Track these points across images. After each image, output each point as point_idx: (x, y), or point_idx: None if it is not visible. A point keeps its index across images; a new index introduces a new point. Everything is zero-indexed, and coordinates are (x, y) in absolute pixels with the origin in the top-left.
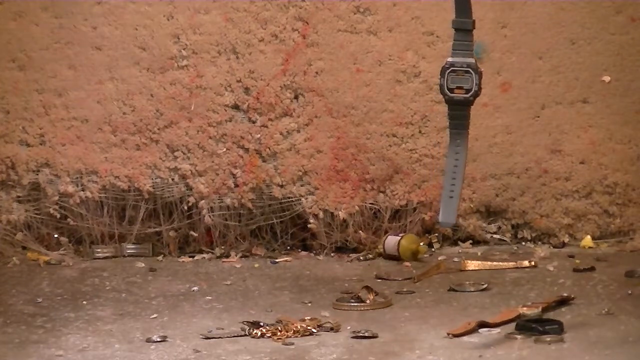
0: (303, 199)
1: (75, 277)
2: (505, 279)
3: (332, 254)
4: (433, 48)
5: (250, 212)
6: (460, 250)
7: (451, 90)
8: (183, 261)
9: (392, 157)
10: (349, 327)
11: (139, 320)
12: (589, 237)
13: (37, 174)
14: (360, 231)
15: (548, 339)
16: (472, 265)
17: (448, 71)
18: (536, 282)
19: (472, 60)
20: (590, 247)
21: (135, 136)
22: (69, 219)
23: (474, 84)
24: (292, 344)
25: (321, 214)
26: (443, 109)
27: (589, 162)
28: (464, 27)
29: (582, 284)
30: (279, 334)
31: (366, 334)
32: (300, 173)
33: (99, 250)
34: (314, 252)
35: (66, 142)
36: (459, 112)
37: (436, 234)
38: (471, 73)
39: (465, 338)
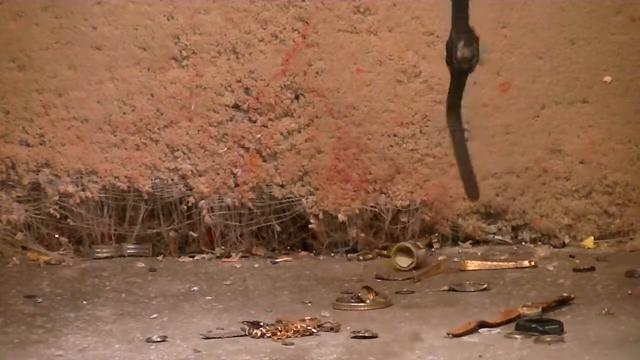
0: (303, 199)
1: (75, 277)
2: (505, 279)
3: (332, 254)
4: (433, 48)
5: (251, 212)
6: (460, 250)
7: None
8: (183, 261)
9: (393, 157)
10: (349, 327)
11: (139, 320)
12: (591, 237)
13: (37, 174)
14: (361, 231)
15: (548, 339)
16: (472, 265)
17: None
18: (536, 282)
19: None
20: (589, 247)
21: (135, 136)
22: (69, 219)
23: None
24: (292, 344)
25: (321, 215)
26: (444, 108)
27: (589, 162)
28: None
29: (582, 284)
30: (279, 334)
31: (366, 334)
32: (301, 173)
33: (99, 250)
34: (314, 252)
35: (66, 142)
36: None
37: (436, 234)
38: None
39: (465, 338)
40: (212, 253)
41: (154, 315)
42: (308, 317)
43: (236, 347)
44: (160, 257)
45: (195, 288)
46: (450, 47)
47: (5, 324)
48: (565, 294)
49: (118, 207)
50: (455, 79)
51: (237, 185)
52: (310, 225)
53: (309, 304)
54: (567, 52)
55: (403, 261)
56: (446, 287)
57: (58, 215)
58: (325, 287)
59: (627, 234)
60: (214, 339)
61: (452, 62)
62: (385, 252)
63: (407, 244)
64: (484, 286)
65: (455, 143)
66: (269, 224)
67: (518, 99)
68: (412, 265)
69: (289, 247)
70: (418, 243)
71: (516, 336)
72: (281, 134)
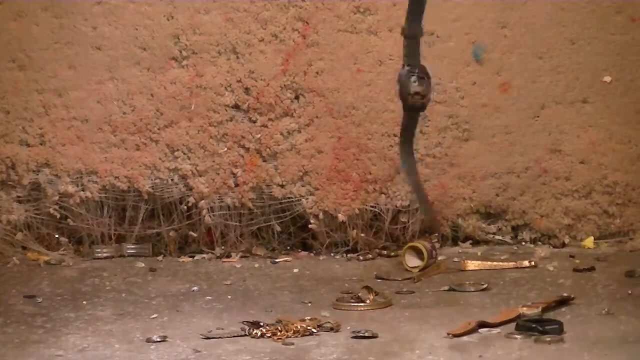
0: (303, 199)
1: (75, 277)
2: (505, 279)
3: (332, 254)
4: (433, 48)
5: (251, 212)
6: (460, 250)
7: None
8: (183, 261)
9: (393, 157)
10: (349, 327)
11: (139, 320)
12: (591, 237)
13: (37, 174)
14: (361, 231)
15: (548, 339)
16: (472, 265)
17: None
18: (536, 282)
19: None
20: (589, 247)
21: (135, 136)
22: (69, 219)
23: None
24: (292, 344)
25: (321, 215)
26: (444, 108)
27: (589, 162)
28: (414, 35)
29: (582, 284)
30: (279, 334)
31: (366, 334)
32: (301, 173)
33: (99, 250)
34: (314, 252)
35: (66, 142)
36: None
37: (436, 234)
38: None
39: (465, 338)
40: (212, 253)
41: (154, 315)
42: (308, 317)
43: (236, 347)
44: (160, 257)
45: (195, 288)
46: (403, 83)
47: (5, 324)
48: (565, 294)
49: (118, 207)
50: (408, 115)
51: (237, 185)
52: (310, 225)
53: (309, 304)
54: (567, 52)
55: (411, 260)
56: (446, 287)
57: (58, 215)
58: (325, 287)
59: (627, 234)
60: (214, 339)
61: (405, 98)
62: (385, 252)
63: (420, 245)
64: (484, 286)
65: (410, 179)
66: (269, 224)
67: (518, 99)
68: (419, 268)
69: (289, 247)
70: (427, 243)
71: (516, 336)
72: (281, 134)
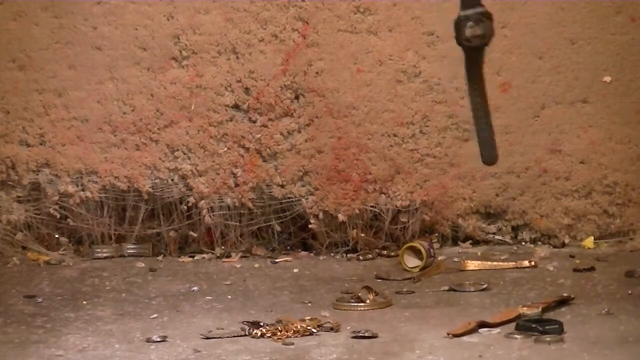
0: (303, 199)
1: (75, 277)
2: (505, 279)
3: (332, 254)
4: (433, 48)
5: (251, 212)
6: (460, 250)
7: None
8: (183, 261)
9: (393, 157)
10: (349, 327)
11: (139, 320)
12: (591, 237)
13: (37, 174)
14: (361, 231)
15: (548, 339)
16: (472, 265)
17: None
18: (536, 282)
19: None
20: (589, 247)
21: (135, 136)
22: (69, 219)
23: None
24: (292, 344)
25: (321, 215)
26: (444, 108)
27: (589, 162)
28: None
29: (582, 284)
30: (279, 334)
31: (366, 334)
32: (301, 173)
33: (99, 250)
34: (314, 252)
35: (66, 142)
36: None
37: (436, 234)
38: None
39: (465, 338)
40: (212, 253)
41: (154, 315)
42: (308, 317)
43: (236, 347)
44: (160, 257)
45: (195, 288)
46: (459, 26)
47: (5, 324)
48: (565, 294)
49: (118, 207)
50: (467, 56)
51: (237, 185)
52: (310, 225)
53: (309, 304)
54: (567, 52)
55: (410, 261)
56: (446, 287)
57: (58, 215)
58: (325, 287)
59: (627, 234)
60: (214, 339)
61: (461, 41)
62: (385, 252)
63: (418, 245)
64: (484, 286)
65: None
66: (269, 224)
67: (518, 99)
68: (419, 268)
69: (289, 247)
70: (425, 243)
71: (516, 336)
72: (281, 134)
